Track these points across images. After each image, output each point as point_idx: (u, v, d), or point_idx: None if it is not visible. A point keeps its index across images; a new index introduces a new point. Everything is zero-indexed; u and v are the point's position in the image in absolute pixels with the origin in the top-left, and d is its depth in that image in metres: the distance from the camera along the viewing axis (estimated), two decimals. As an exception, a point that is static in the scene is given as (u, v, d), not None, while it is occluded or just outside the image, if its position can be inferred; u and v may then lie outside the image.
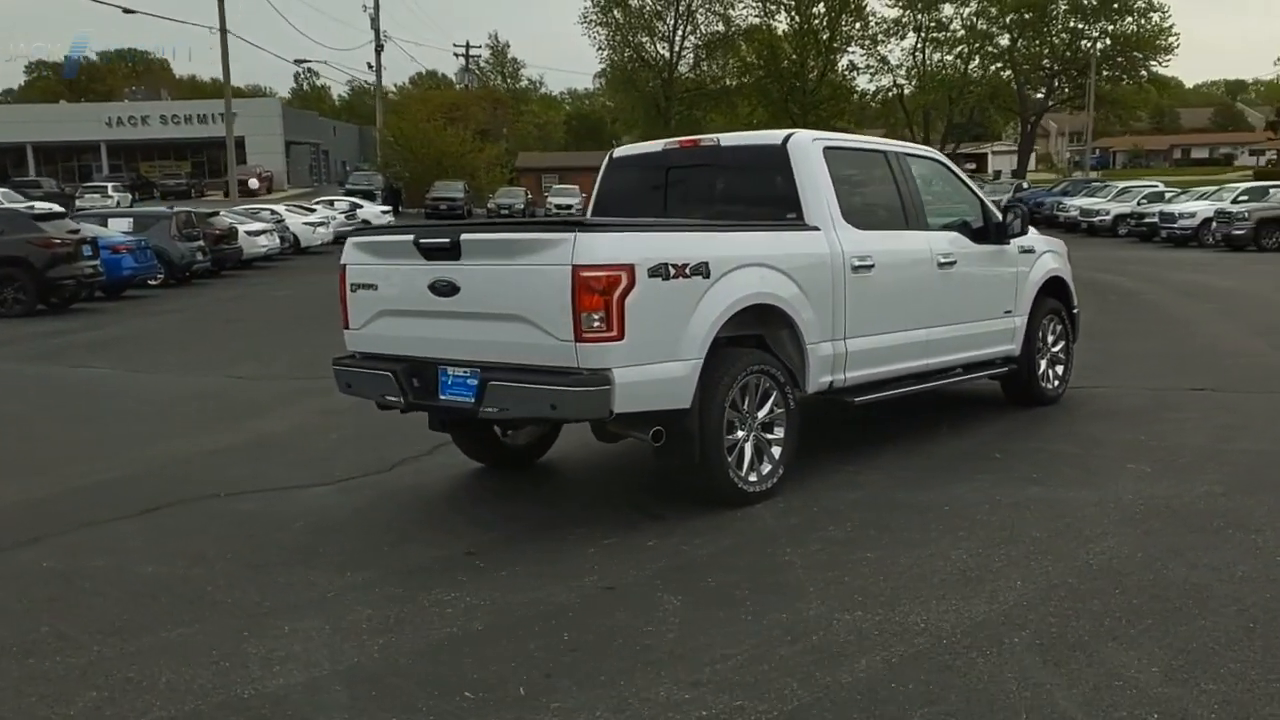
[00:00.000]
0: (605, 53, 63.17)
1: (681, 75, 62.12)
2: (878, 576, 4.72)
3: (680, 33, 62.07)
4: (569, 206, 45.21)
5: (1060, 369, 8.33)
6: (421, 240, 5.65)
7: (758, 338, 5.95)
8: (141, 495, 6.36)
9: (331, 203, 40.39)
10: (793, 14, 60.36)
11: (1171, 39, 57.22)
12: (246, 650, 4.14)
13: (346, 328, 6.19)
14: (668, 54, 62.59)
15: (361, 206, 40.25)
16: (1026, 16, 58.32)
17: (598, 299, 5.05)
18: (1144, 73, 59.42)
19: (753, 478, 5.79)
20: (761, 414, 5.83)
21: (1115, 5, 57.10)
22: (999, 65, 61.14)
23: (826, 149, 6.47)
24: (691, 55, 62.91)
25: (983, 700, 3.56)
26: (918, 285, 6.86)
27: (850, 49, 61.12)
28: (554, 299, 5.13)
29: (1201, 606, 4.28)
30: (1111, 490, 5.91)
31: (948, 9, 60.30)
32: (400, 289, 5.85)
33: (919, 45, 62.05)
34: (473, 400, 5.52)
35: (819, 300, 6.04)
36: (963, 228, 7.35)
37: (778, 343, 6.03)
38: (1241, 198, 28.36)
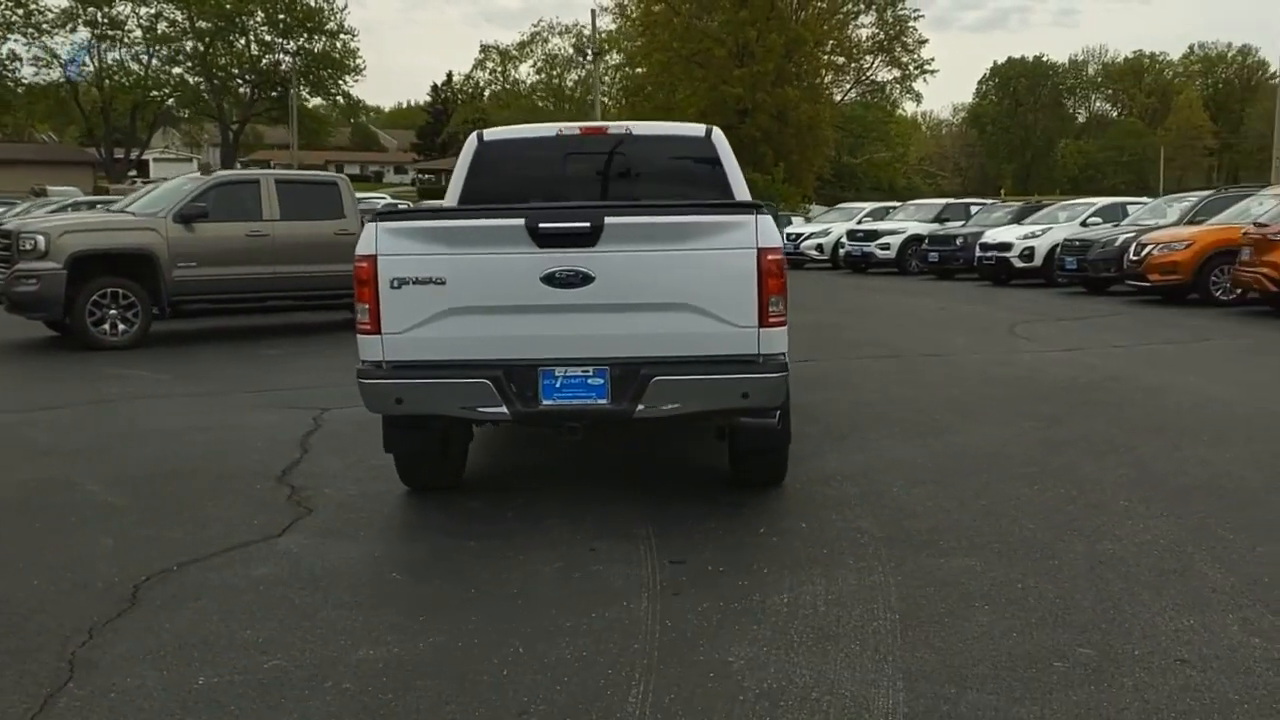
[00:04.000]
0: None
1: None
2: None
3: None
4: None
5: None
6: (542, 225, 5.00)
7: None
8: None
9: None
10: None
11: (359, 61, 61.11)
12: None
13: (375, 332, 5.14)
14: None
15: None
16: (219, 25, 57.85)
17: (779, 282, 5.08)
18: (335, 92, 62.57)
19: None
20: None
21: (309, 24, 59.29)
22: (189, 69, 59.71)
23: None
24: None
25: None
26: None
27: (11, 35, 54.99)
28: (735, 284, 5.01)
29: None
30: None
31: (123, 7, 57.26)
32: (491, 282, 5.07)
33: (93, 41, 58.02)
34: (606, 400, 5.09)
35: None
36: None
37: None
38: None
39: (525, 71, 61.24)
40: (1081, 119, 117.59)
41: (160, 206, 12.91)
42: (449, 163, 45.84)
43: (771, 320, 5.03)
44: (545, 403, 5.12)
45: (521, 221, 5.01)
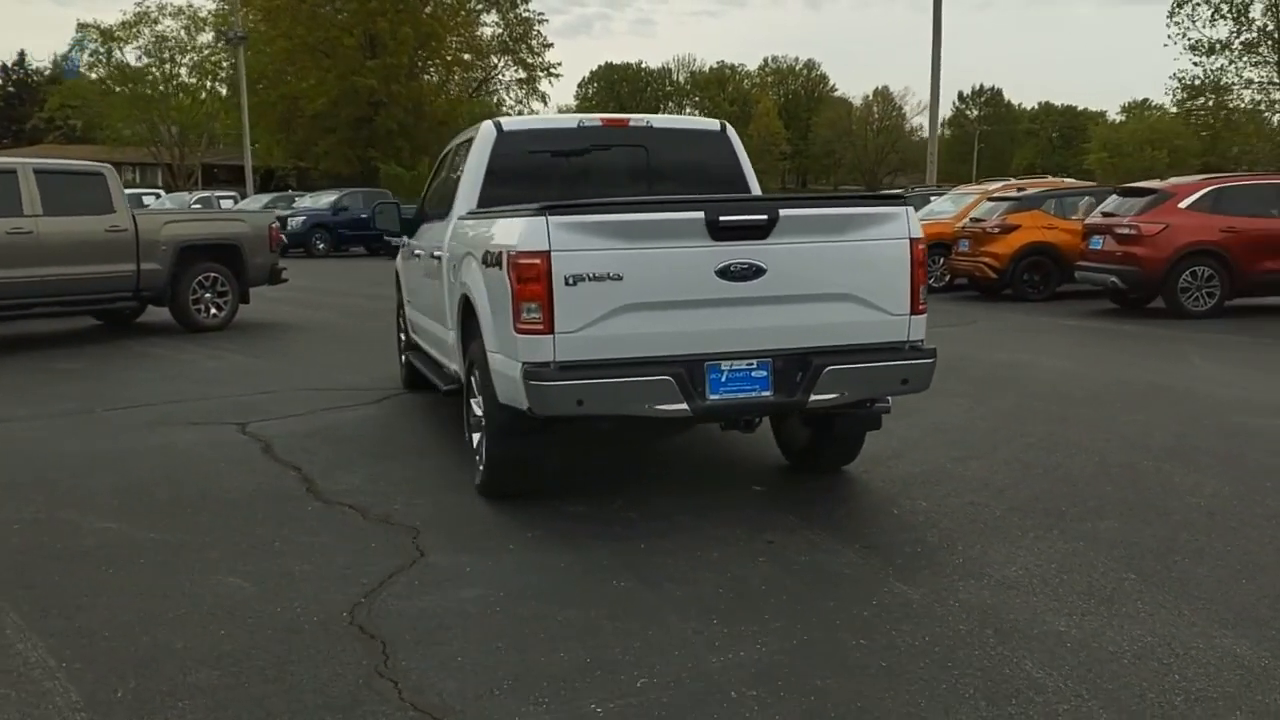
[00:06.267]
0: None
1: None
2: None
3: None
4: None
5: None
6: (723, 218, 4.98)
7: None
8: None
9: None
10: None
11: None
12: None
13: (546, 331, 4.88)
14: None
15: None
16: None
17: (924, 271, 5.39)
18: None
19: None
20: None
21: None
22: None
23: None
24: None
25: None
26: None
27: None
28: (891, 273, 5.24)
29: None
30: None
31: None
32: (668, 277, 4.95)
33: None
34: (770, 392, 5.17)
35: None
36: None
37: None
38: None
39: (132, 54, 55.93)
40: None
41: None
42: (35, 152, 41.01)
43: (920, 308, 5.28)
44: (712, 397, 5.06)
45: (701, 215, 4.92)
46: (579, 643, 3.96)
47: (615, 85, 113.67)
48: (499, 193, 6.44)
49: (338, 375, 9.85)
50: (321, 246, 31.81)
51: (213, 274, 13.20)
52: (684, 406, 4.95)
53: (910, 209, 5.28)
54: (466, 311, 5.98)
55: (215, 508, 5.72)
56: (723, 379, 5.07)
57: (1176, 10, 44.84)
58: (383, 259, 30.36)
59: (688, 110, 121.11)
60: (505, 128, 6.53)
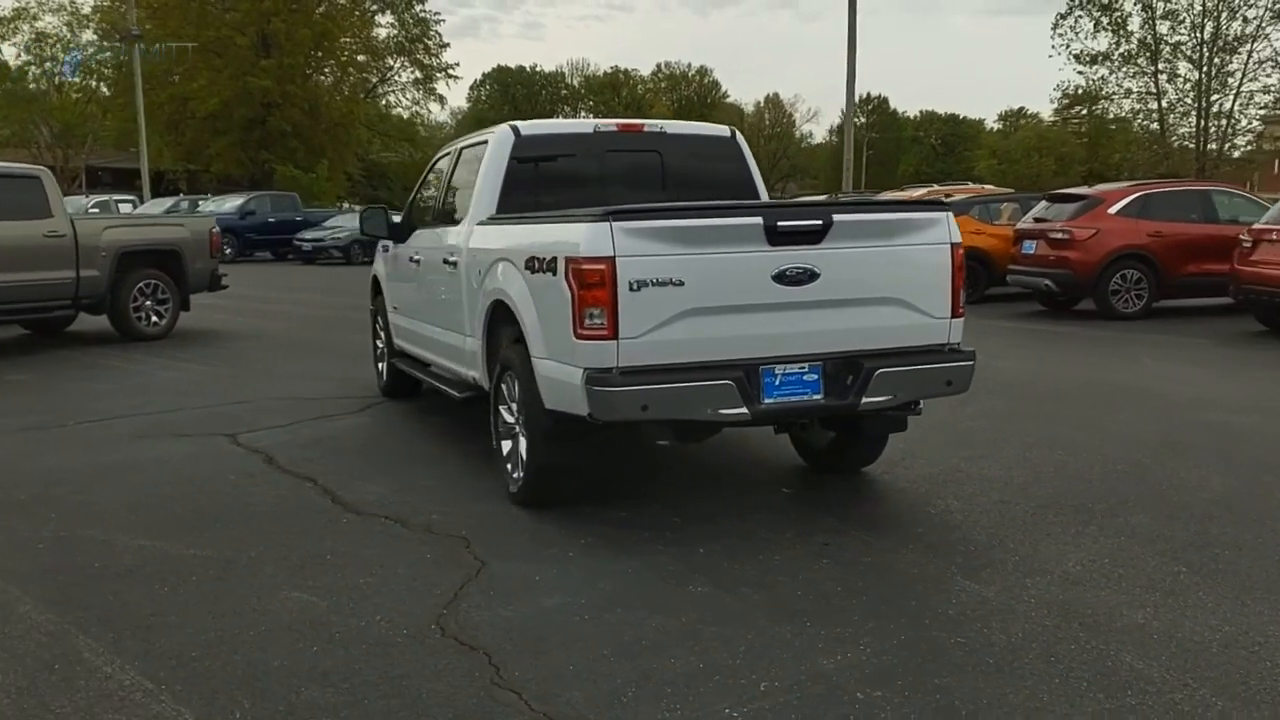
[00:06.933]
0: None
1: None
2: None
3: None
4: None
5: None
6: (781, 223, 5.05)
7: None
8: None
9: None
10: None
11: None
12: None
13: (610, 337, 4.88)
14: None
15: None
16: None
17: (963, 276, 5.55)
18: None
19: None
20: None
21: None
22: None
23: None
24: None
25: None
26: None
27: None
28: (935, 277, 5.37)
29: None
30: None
31: None
32: (728, 282, 5.00)
33: None
34: (820, 395, 5.25)
35: None
36: None
37: None
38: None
39: (9, 52, 53.46)
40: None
41: None
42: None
43: (960, 311, 5.42)
44: (767, 401, 5.11)
45: (760, 220, 4.98)
46: (684, 648, 3.97)
47: (509, 88, 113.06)
48: (517, 197, 6.40)
49: (307, 384, 9.64)
50: (229, 252, 30.88)
51: (153, 281, 12.78)
52: (744, 410, 4.99)
53: (950, 215, 5.40)
54: (496, 318, 5.93)
55: (246, 521, 5.57)
56: (776, 383, 5.12)
57: (1060, 21, 46.49)
58: (292, 264, 29.81)
59: (583, 114, 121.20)
60: (523, 131, 6.49)
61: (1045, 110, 58.34)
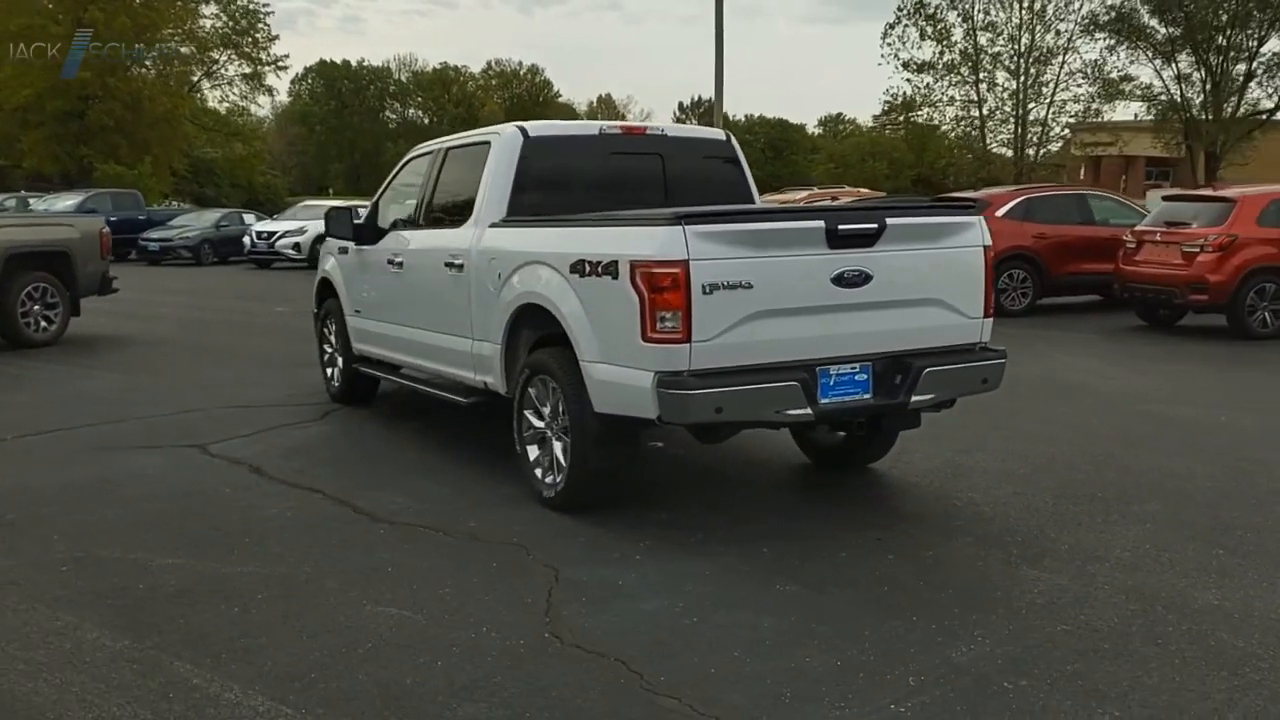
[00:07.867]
0: None
1: None
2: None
3: None
4: None
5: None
6: (841, 226, 5.15)
7: None
8: None
9: None
10: None
11: None
12: None
13: (684, 340, 4.90)
14: None
15: None
16: None
17: (993, 277, 5.78)
18: None
19: None
20: None
21: None
22: None
23: None
24: None
25: None
26: None
27: None
28: (970, 278, 5.58)
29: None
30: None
31: None
32: (792, 284, 5.08)
33: None
34: (870, 395, 5.40)
35: None
36: None
37: None
38: None
39: None
40: (393, 124, 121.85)
41: None
42: None
43: (990, 311, 5.63)
44: (823, 401, 5.20)
45: (821, 223, 5.07)
46: (811, 647, 4.01)
47: (335, 83, 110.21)
48: (525, 199, 6.31)
49: (247, 391, 9.23)
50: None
51: (42, 284, 12.00)
52: (808, 411, 5.07)
53: (982, 219, 5.60)
54: (521, 320, 5.84)
55: (274, 536, 5.34)
56: (831, 383, 5.21)
57: (889, 31, 48.45)
58: (138, 265, 28.35)
59: (411, 111, 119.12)
60: (531, 133, 6.39)
61: (863, 116, 60.40)
